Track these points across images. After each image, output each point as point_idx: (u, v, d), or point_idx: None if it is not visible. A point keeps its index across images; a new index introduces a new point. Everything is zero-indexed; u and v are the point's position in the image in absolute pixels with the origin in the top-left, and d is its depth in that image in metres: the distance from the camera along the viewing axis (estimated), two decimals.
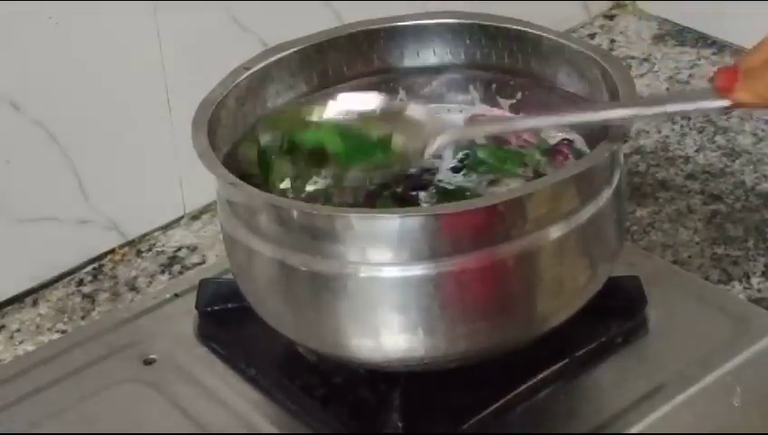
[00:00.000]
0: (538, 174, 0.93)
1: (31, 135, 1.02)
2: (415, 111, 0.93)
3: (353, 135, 0.92)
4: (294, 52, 0.96)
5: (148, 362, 0.95)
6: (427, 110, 0.94)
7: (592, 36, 1.38)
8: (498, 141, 0.96)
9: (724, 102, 0.80)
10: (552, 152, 0.95)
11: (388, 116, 0.94)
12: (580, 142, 0.96)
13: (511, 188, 0.91)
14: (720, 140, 1.19)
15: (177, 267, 1.09)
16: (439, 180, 0.93)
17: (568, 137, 0.96)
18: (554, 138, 0.96)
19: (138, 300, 1.05)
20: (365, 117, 0.94)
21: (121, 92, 1.06)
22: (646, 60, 1.33)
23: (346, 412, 0.88)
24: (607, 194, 0.86)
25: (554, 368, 0.90)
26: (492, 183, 0.93)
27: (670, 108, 0.83)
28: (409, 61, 0.99)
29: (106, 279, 1.08)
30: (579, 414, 0.89)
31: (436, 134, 0.90)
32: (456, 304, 0.82)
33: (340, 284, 0.82)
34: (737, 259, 1.03)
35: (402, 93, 0.99)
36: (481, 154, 0.95)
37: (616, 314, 0.94)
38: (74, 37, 1.02)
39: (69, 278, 1.08)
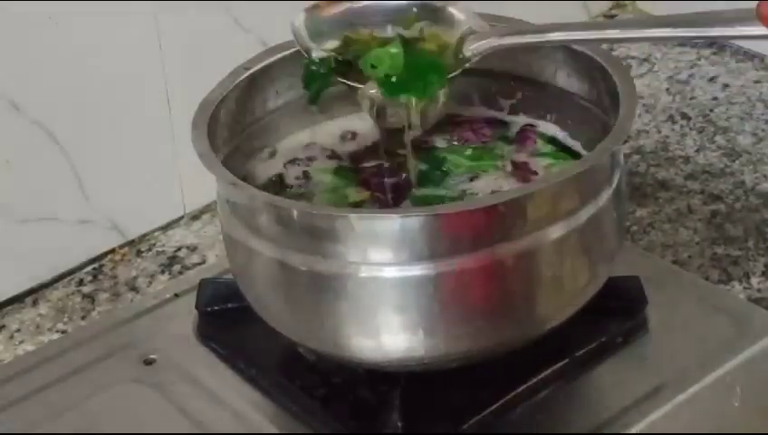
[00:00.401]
0: (515, 164, 0.93)
1: (31, 135, 1.02)
2: (457, 6, 0.92)
3: (414, 57, 0.91)
4: (294, 52, 0.96)
5: (149, 362, 0.95)
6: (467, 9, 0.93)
7: None
8: (460, 141, 0.97)
9: (762, 30, 0.76)
10: (519, 139, 0.96)
11: (428, 14, 0.94)
12: (543, 126, 0.96)
13: (512, 188, 0.91)
14: (720, 140, 1.19)
15: (177, 267, 1.09)
16: (414, 194, 0.93)
17: (530, 122, 0.97)
18: (515, 125, 0.97)
19: (138, 300, 1.05)
20: (407, 20, 0.94)
21: (121, 93, 1.06)
22: (646, 60, 1.33)
23: (346, 412, 0.88)
24: (607, 194, 0.86)
25: (554, 368, 0.90)
26: (473, 179, 0.93)
27: (710, 32, 0.80)
28: None
29: (106, 279, 1.08)
30: (579, 414, 0.89)
31: (475, 37, 0.90)
32: (456, 304, 0.82)
33: (340, 284, 0.82)
34: (737, 259, 1.03)
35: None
36: (454, 158, 0.95)
37: (616, 314, 0.94)
38: (74, 37, 1.02)
39: (69, 278, 1.08)
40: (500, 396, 0.88)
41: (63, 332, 1.02)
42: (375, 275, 0.81)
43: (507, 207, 0.81)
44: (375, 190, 0.92)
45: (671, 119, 1.22)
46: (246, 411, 0.90)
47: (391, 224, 0.80)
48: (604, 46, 1.34)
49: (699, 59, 1.32)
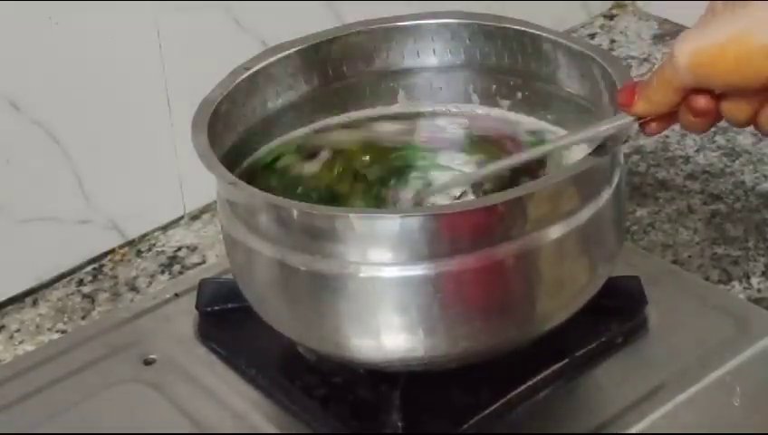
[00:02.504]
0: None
1: (31, 135, 1.02)
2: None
3: None
4: (294, 52, 0.96)
5: (149, 362, 0.95)
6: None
7: (592, 36, 1.38)
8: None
9: (627, 118, 0.82)
10: None
11: None
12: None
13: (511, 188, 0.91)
14: (720, 140, 1.19)
15: (177, 267, 1.09)
16: None
17: None
18: None
19: (138, 300, 1.05)
20: None
21: (121, 92, 1.06)
22: (646, 60, 1.33)
23: (346, 412, 0.88)
24: (607, 194, 0.86)
25: (554, 368, 0.90)
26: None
27: (583, 135, 0.86)
28: (409, 61, 0.99)
29: (106, 279, 1.08)
30: (579, 414, 0.89)
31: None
32: (456, 304, 0.82)
33: (340, 284, 0.82)
34: (737, 259, 1.03)
35: (402, 94, 1.00)
36: None
37: (616, 314, 0.94)
38: (74, 37, 1.02)
39: (69, 278, 1.08)
40: (500, 396, 0.88)
41: (63, 332, 1.02)
42: (375, 275, 0.81)
43: (507, 207, 0.81)
44: None
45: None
46: (246, 411, 0.90)
47: (391, 224, 0.80)
48: (603, 46, 1.35)
49: None
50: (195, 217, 1.14)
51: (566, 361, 0.91)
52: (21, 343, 1.02)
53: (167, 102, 1.09)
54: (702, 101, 0.79)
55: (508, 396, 0.88)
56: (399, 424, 0.85)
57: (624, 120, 0.82)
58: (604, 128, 0.84)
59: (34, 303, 1.06)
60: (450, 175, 0.97)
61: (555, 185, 0.83)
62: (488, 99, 0.99)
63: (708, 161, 1.16)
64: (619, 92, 0.83)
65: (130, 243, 1.11)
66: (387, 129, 0.99)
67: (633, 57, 1.34)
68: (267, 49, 0.98)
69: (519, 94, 0.98)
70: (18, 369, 0.97)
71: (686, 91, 0.79)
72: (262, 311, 0.89)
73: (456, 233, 0.81)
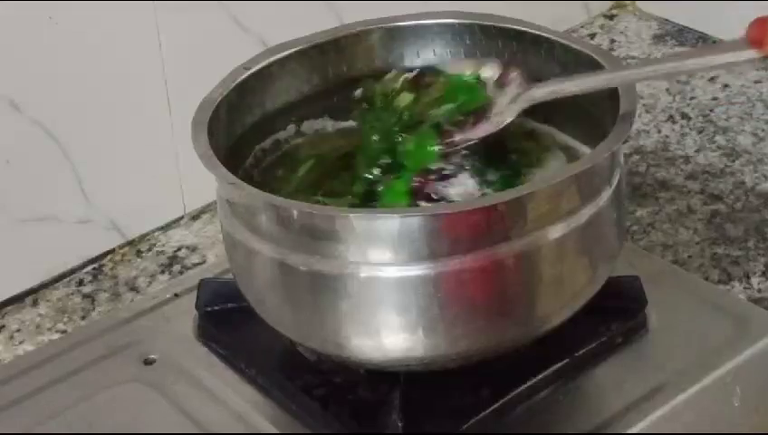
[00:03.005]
0: None
1: (31, 135, 1.02)
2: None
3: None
4: (294, 52, 0.96)
5: (149, 362, 0.95)
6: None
7: (592, 36, 1.38)
8: None
9: (753, 54, 0.81)
10: None
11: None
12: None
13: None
14: (720, 140, 1.19)
15: (177, 267, 1.09)
16: None
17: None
18: None
19: (138, 300, 1.05)
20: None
21: (121, 92, 1.06)
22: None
23: (346, 412, 0.88)
24: (607, 194, 0.86)
25: (554, 368, 0.90)
26: None
27: (709, 60, 0.85)
28: (409, 61, 0.99)
29: (106, 279, 1.08)
30: (579, 414, 0.89)
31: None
32: (456, 304, 0.82)
33: (340, 284, 0.82)
34: (737, 259, 1.03)
35: None
36: None
37: (616, 313, 0.94)
38: (74, 37, 1.02)
39: (69, 278, 1.08)
40: (500, 396, 0.88)
41: (63, 332, 1.02)
42: (375, 275, 0.81)
43: (507, 207, 0.81)
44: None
45: (671, 119, 1.22)
46: (246, 411, 0.90)
47: (391, 224, 0.80)
48: (603, 46, 1.35)
49: None
50: (195, 217, 1.14)
51: (566, 361, 0.91)
52: (21, 343, 1.02)
53: (167, 102, 1.09)
54: None
55: (508, 396, 0.88)
56: (399, 424, 0.85)
57: (750, 54, 0.81)
58: (732, 59, 0.83)
59: (34, 303, 1.06)
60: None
61: (555, 185, 0.83)
62: None
63: (708, 161, 1.16)
64: (750, 26, 0.81)
65: (130, 243, 1.11)
66: None
67: (633, 57, 1.34)
68: (267, 49, 0.98)
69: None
70: (18, 369, 0.97)
71: None
72: (262, 311, 0.89)
73: (455, 233, 0.81)
